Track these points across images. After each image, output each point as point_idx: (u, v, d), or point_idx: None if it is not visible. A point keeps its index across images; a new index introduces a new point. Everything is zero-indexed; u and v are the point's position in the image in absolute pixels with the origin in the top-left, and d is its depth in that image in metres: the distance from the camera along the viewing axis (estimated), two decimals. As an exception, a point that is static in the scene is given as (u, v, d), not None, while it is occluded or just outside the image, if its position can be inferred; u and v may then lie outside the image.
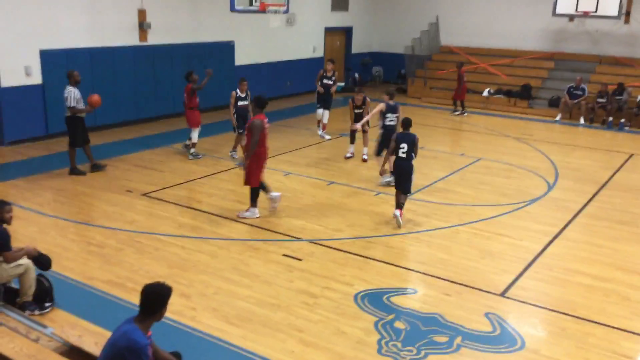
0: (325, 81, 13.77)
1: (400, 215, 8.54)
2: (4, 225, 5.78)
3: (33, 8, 12.08)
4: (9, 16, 11.73)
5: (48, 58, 12.49)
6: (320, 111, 13.94)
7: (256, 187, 8.71)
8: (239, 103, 11.49)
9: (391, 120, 10.39)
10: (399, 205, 8.64)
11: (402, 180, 8.67)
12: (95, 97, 10.29)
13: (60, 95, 12.95)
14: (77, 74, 10.33)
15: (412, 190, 9.01)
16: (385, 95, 10.64)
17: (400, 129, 9.03)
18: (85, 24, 13.13)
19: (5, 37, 11.75)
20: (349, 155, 12.25)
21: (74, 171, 10.53)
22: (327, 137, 13.90)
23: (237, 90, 11.51)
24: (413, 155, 8.62)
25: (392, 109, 10.44)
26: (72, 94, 10.14)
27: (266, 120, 8.54)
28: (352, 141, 12.21)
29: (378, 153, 10.54)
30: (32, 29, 12.14)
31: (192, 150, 11.82)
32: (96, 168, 10.71)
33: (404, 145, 8.61)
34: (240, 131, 11.33)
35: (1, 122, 12.08)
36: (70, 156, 10.52)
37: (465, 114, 17.50)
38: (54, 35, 12.55)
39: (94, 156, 10.82)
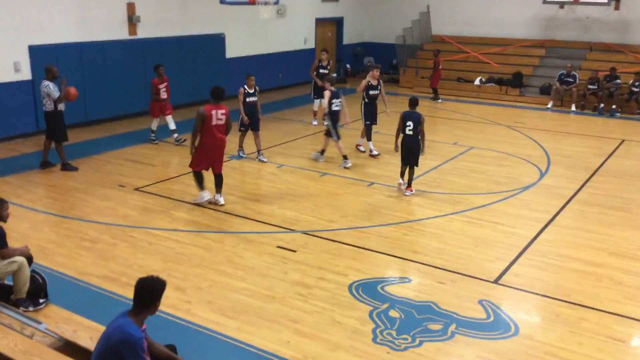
0: (321, 71, 13.81)
1: (411, 191, 9.53)
2: (0, 223, 5.76)
3: (22, 4, 11.97)
4: (-4, 12, 11.63)
5: (37, 53, 12.39)
6: (317, 102, 13.94)
7: (196, 172, 8.86)
8: (248, 99, 11.01)
9: (336, 106, 10.96)
10: (409, 183, 9.57)
11: (410, 155, 9.43)
12: (72, 90, 10.24)
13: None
14: (56, 69, 10.23)
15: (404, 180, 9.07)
16: (327, 83, 11.19)
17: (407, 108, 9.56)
18: (74, 19, 13.02)
19: (-7, 33, 11.66)
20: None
21: (66, 167, 10.49)
22: (316, 123, 14.07)
23: (245, 87, 10.96)
24: (419, 132, 9.31)
25: (336, 95, 10.98)
26: (52, 87, 10.04)
27: (221, 111, 8.53)
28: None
29: (330, 135, 11.04)
30: (21, 24, 12.04)
31: (152, 135, 12.53)
32: (67, 167, 10.52)
33: (410, 123, 9.34)
34: (242, 129, 11.18)
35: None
36: (59, 152, 10.46)
37: (440, 101, 17.70)
38: (42, 30, 12.45)
39: (87, 151, 10.79)
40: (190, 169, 8.99)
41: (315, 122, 14.11)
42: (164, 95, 12.26)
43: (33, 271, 6.03)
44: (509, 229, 8.28)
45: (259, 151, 11.36)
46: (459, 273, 6.94)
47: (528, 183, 10.32)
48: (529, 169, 11.19)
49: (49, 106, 10.16)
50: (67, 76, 10.56)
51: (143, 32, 14.51)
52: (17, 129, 12.36)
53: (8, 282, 5.98)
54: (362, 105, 11.70)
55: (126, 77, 14.26)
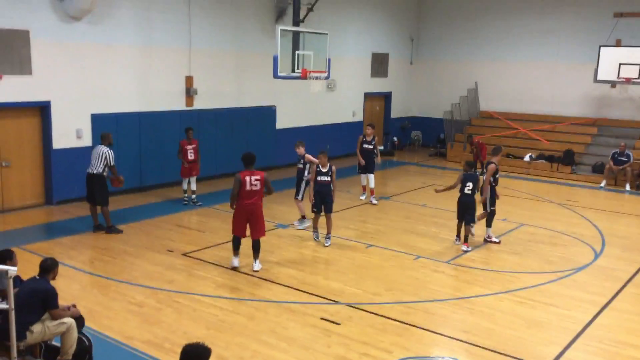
0: (365, 146, 13.89)
1: (467, 247, 10.29)
2: (52, 282, 5.90)
3: (88, 75, 12.75)
4: (65, 84, 12.39)
5: (99, 121, 13.05)
6: (363, 176, 13.98)
7: (234, 236, 9.15)
8: (319, 178, 10.38)
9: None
10: (466, 239, 10.40)
11: (468, 213, 10.31)
12: (122, 178, 10.91)
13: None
14: (110, 136, 10.92)
15: (452, 256, 8.85)
16: (301, 147, 11.54)
17: (466, 169, 10.57)
18: (135, 90, 13.75)
19: (61, 103, 12.37)
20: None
21: (112, 229, 10.78)
22: (375, 202, 13.82)
23: (319, 166, 10.38)
24: (476, 191, 10.28)
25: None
26: (111, 154, 10.66)
27: (256, 177, 8.75)
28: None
29: (301, 197, 11.46)
30: (85, 94, 12.78)
31: (185, 196, 13.14)
32: (112, 230, 10.82)
33: (470, 184, 10.28)
34: (315, 210, 10.56)
35: (51, 182, 12.54)
36: (106, 215, 10.80)
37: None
38: (105, 100, 13.17)
39: (139, 215, 11.09)
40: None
41: (363, 197, 14.10)
42: (191, 156, 12.76)
43: (80, 333, 6.09)
44: (563, 312, 7.93)
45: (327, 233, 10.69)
46: (510, 356, 6.64)
47: (582, 264, 9.95)
48: (582, 248, 10.82)
49: (99, 169, 10.63)
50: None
51: (199, 104, 15.15)
52: (74, 192, 12.84)
53: (56, 342, 6.05)
54: (489, 193, 10.72)
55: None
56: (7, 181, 12.00)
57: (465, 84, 21.83)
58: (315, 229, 10.78)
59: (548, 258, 10.20)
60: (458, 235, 10.62)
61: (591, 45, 18.75)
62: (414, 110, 23.68)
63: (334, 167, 10.36)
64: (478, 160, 17.50)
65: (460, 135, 20.94)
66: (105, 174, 10.75)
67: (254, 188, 8.76)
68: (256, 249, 9.10)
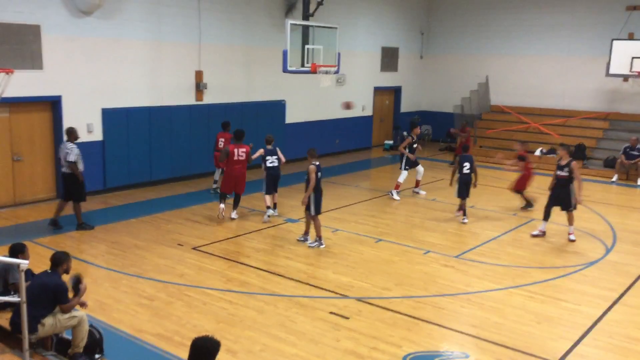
0: (414, 146, 14.16)
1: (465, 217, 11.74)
2: (63, 277, 5.95)
3: (98, 70, 12.80)
4: (76, 78, 12.45)
5: (109, 116, 13.12)
6: (405, 173, 13.91)
7: (221, 193, 11.53)
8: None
9: (272, 162, 11.55)
10: (464, 212, 11.85)
11: (466, 189, 11.85)
12: (80, 178, 10.46)
13: (120, 151, 13.55)
14: (76, 131, 10.52)
15: (462, 250, 8.82)
16: (266, 142, 11.65)
17: (461, 152, 12.49)
18: (145, 85, 13.79)
19: (72, 97, 12.44)
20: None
21: (82, 226, 10.60)
22: (423, 192, 14.21)
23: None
24: (473, 169, 11.86)
25: (271, 153, 11.57)
26: (74, 150, 10.30)
27: (242, 149, 11.21)
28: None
29: (267, 192, 11.58)
30: (96, 89, 12.84)
31: (214, 185, 13.57)
32: (83, 227, 10.61)
33: (467, 164, 11.85)
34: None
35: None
36: (77, 211, 10.58)
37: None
38: (116, 94, 13.22)
39: (149, 209, 11.08)
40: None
41: (416, 189, 14.28)
42: (221, 145, 13.08)
43: (91, 326, 6.14)
44: (573, 306, 7.89)
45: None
46: (520, 351, 6.61)
47: (593, 258, 9.89)
48: (593, 243, 10.75)
49: (67, 167, 10.31)
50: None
51: (209, 98, 15.18)
52: (86, 186, 12.88)
53: (67, 335, 6.10)
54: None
55: (191, 139, 14.84)
56: (19, 175, 12.10)
57: (476, 78, 21.71)
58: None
59: (558, 253, 10.15)
60: (463, 212, 11.86)
61: (603, 38, 18.59)
62: (423, 105, 23.59)
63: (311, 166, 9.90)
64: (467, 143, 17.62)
65: (471, 130, 20.82)
66: (81, 170, 10.41)
67: (240, 158, 11.27)
68: (236, 201, 11.61)
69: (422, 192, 14.23)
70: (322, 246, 10.00)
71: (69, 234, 10.38)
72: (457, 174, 11.95)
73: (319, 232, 10.06)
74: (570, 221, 10.84)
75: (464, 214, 11.85)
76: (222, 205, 11.30)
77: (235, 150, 11.21)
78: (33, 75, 11.74)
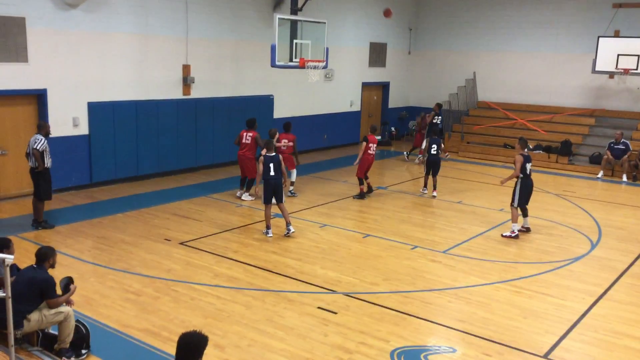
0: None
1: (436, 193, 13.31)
2: (50, 271, 5.90)
3: (84, 63, 12.67)
4: (61, 71, 12.32)
5: (95, 110, 12.99)
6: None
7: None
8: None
9: (273, 171, 10.65)
10: (435, 187, 13.46)
11: (435, 169, 13.48)
12: (40, 167, 10.02)
13: (106, 145, 13.44)
14: (48, 125, 10.28)
15: (449, 245, 8.92)
16: (267, 148, 10.84)
17: (433, 136, 14.36)
18: (132, 78, 13.67)
19: (57, 91, 12.31)
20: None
21: (41, 224, 10.29)
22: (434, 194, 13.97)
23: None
24: (440, 151, 13.57)
25: (272, 160, 10.99)
26: (43, 142, 9.96)
27: (249, 134, 12.61)
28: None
29: (266, 201, 10.78)
30: (81, 82, 12.71)
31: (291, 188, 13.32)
32: (44, 226, 10.27)
33: (434, 146, 13.46)
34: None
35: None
36: (40, 209, 10.27)
37: (411, 160, 18.48)
38: (102, 88, 13.09)
39: (136, 204, 10.95)
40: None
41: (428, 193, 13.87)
42: (248, 140, 12.88)
43: (77, 321, 6.11)
44: (559, 301, 7.96)
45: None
46: (506, 345, 6.67)
47: (578, 254, 9.99)
48: (579, 239, 10.85)
49: (34, 162, 9.96)
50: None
51: (196, 93, 15.08)
52: (71, 181, 12.83)
53: (53, 330, 6.06)
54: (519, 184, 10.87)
55: (178, 134, 14.75)
56: (4, 169, 11.96)
57: (463, 74, 21.78)
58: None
59: (545, 248, 10.23)
60: (425, 186, 13.72)
61: (590, 36, 18.74)
62: (411, 100, 23.64)
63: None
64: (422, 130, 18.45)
65: (458, 126, 20.93)
66: (47, 165, 10.08)
67: (246, 142, 12.57)
68: (247, 184, 12.70)
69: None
70: (269, 235, 10.29)
71: (55, 229, 10.28)
72: (426, 155, 13.65)
73: (267, 222, 10.37)
74: (513, 218, 10.69)
75: (425, 186, 13.70)
76: (238, 192, 12.78)
77: (244, 134, 12.63)
78: (18, 68, 11.59)
